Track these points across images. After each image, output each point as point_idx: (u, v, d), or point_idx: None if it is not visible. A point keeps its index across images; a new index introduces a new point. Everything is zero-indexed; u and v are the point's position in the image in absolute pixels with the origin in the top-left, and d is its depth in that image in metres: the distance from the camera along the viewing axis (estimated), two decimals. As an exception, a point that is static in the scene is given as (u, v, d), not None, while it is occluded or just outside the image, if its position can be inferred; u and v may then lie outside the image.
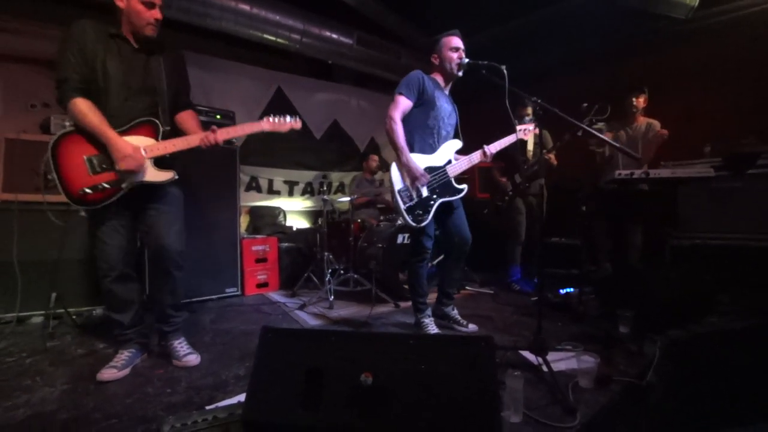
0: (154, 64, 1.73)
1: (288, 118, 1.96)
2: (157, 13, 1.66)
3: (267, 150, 4.23)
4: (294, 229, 4.14)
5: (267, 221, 4.01)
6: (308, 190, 4.60)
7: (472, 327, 2.35)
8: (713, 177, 2.72)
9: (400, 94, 2.11)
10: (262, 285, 3.39)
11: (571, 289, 2.90)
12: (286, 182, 4.42)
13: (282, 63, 4.27)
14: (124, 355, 1.80)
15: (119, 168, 1.60)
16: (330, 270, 3.09)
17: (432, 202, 2.11)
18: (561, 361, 1.85)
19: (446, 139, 2.23)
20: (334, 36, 3.86)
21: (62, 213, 2.51)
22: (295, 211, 4.53)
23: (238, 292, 3.23)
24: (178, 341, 1.92)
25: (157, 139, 1.71)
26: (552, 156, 3.27)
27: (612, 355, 1.85)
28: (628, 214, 3.34)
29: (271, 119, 1.91)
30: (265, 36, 3.55)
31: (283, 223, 4.17)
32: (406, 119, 2.16)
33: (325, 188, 4.53)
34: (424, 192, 2.10)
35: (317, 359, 1.09)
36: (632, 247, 3.36)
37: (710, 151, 3.42)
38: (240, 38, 3.60)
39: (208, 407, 1.45)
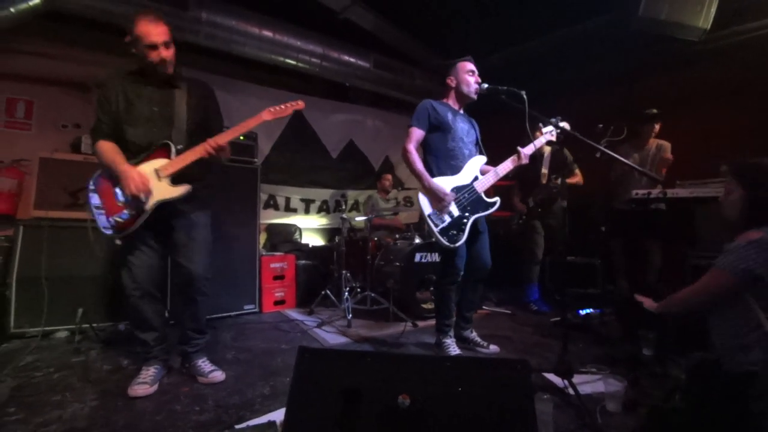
0: (177, 98, 1.83)
1: (289, 102, 1.91)
2: (163, 52, 1.71)
3: (285, 168, 4.34)
4: (310, 246, 4.18)
5: (283, 238, 4.06)
6: (324, 208, 4.66)
7: (493, 348, 2.33)
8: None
9: (411, 126, 2.19)
10: (280, 302, 3.41)
11: (591, 310, 2.88)
12: (302, 200, 4.50)
13: (300, 85, 4.40)
14: (150, 371, 1.83)
15: (127, 192, 1.68)
16: (348, 288, 3.10)
17: (465, 221, 2.11)
18: (586, 384, 1.83)
19: (470, 157, 2.25)
20: (352, 60, 3.99)
21: (94, 230, 2.61)
22: (310, 228, 4.59)
23: (256, 309, 3.25)
24: (202, 360, 1.97)
25: (170, 159, 1.77)
26: (578, 176, 3.33)
27: (638, 378, 1.83)
28: (646, 234, 3.33)
29: (271, 108, 1.87)
30: (287, 61, 3.67)
31: (299, 240, 4.21)
32: (427, 147, 2.22)
33: (344, 206, 4.59)
34: (456, 211, 2.10)
35: (354, 380, 1.10)
36: (651, 267, 3.33)
37: (726, 170, 3.42)
38: (259, 62, 3.73)
39: (237, 426, 1.46)
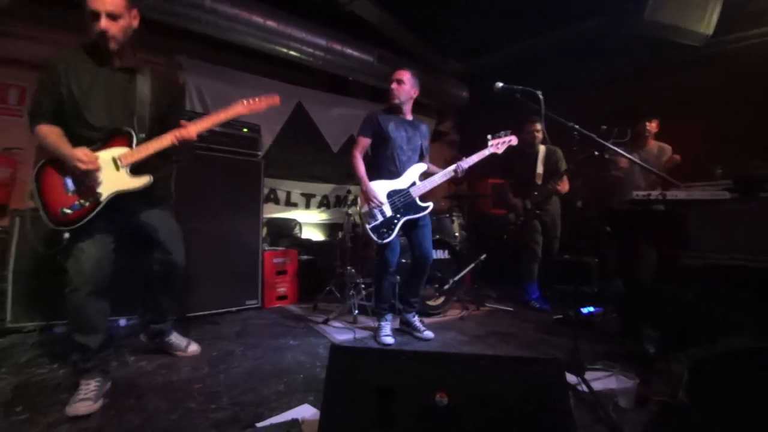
0: (139, 83, 1.71)
1: (264, 96, 1.92)
2: (103, 23, 1.50)
3: (286, 162, 4.28)
4: (311, 241, 4.14)
5: (283, 233, 4.02)
6: (324, 203, 4.63)
7: (427, 334, 2.51)
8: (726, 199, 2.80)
9: (359, 135, 2.50)
10: (282, 297, 3.37)
11: (592, 309, 2.94)
12: (303, 195, 4.45)
13: (301, 78, 4.34)
14: (92, 386, 1.59)
15: (78, 170, 1.54)
16: (353, 284, 3.09)
17: (396, 221, 2.38)
18: (597, 380, 1.87)
19: (409, 163, 2.48)
20: (356, 54, 3.95)
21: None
22: (310, 223, 4.55)
23: (258, 305, 3.20)
24: (174, 335, 2.12)
25: (131, 148, 1.66)
26: (565, 183, 3.36)
27: (649, 375, 1.87)
28: (644, 234, 3.40)
29: (245, 101, 1.84)
30: (290, 52, 3.61)
31: (299, 235, 4.17)
32: (373, 154, 2.52)
33: (350, 201, 4.56)
34: (389, 212, 2.38)
35: (390, 379, 1.10)
36: (647, 266, 3.42)
37: (721, 173, 3.52)
38: (261, 53, 3.66)
39: (259, 424, 1.44)
